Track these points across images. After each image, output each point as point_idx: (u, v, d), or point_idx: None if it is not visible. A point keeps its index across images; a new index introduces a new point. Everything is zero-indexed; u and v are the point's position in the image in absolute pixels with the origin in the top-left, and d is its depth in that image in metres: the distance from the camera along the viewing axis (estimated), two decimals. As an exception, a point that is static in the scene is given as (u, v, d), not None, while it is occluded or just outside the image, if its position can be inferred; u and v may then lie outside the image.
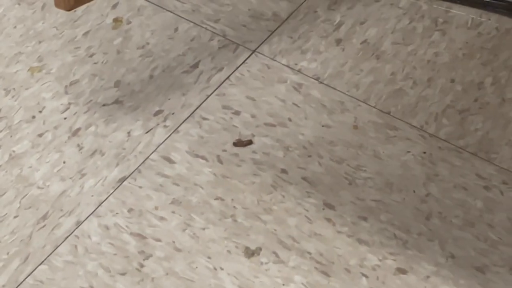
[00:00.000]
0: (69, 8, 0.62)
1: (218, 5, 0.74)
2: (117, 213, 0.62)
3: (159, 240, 0.60)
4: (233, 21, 0.74)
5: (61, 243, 0.60)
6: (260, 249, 0.60)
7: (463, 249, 0.61)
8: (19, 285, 0.58)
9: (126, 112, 0.67)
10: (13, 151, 0.65)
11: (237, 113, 0.68)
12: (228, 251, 0.60)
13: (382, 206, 0.63)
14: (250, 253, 0.60)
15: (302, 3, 0.76)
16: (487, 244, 0.61)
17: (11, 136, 0.66)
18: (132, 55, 0.71)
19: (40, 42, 0.71)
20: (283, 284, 0.59)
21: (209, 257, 0.59)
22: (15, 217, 0.62)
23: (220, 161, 0.64)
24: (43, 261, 0.60)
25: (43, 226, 0.61)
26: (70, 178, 0.64)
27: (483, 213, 0.62)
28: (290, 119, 0.67)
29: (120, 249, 0.60)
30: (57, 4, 0.62)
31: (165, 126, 0.66)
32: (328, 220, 0.62)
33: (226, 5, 0.74)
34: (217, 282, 0.58)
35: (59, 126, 0.66)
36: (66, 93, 0.68)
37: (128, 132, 0.66)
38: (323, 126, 0.66)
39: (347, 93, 0.69)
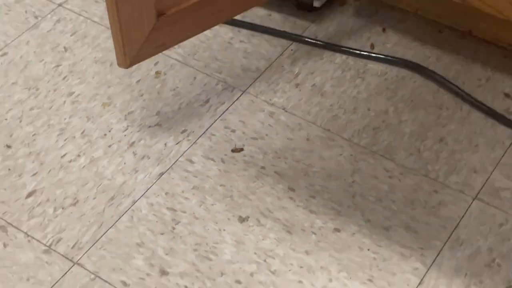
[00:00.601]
0: (127, 66, 0.57)
1: (221, 62, 0.69)
2: (158, 195, 0.58)
3: (184, 212, 0.57)
4: (231, 73, 0.69)
5: (123, 215, 0.57)
6: (248, 217, 0.56)
7: (375, 216, 0.57)
8: (96, 241, 0.55)
9: (163, 131, 0.63)
10: (93, 156, 0.61)
11: (233, 131, 0.63)
12: (228, 219, 0.56)
13: (325, 189, 0.59)
14: (241, 220, 0.56)
15: (274, 61, 0.70)
16: (390, 212, 0.57)
17: (91, 147, 0.62)
18: (167, 95, 0.66)
19: (109, 87, 0.67)
20: (263, 239, 0.55)
21: (216, 223, 0.56)
22: (93, 198, 0.58)
23: (223, 162, 0.61)
24: (111, 226, 0.56)
25: (111, 204, 0.58)
26: (128, 173, 0.60)
27: (388, 193, 0.58)
28: (267, 135, 0.63)
29: (160, 218, 0.56)
30: (119, 64, 0.57)
31: (188, 140, 0.62)
32: (291, 198, 0.58)
33: (226, 62, 0.69)
34: (222, 238, 0.55)
35: (121, 140, 0.63)
36: (125, 119, 0.64)
37: (165, 144, 0.62)
38: (287, 139, 0.62)
39: (302, 118, 0.64)
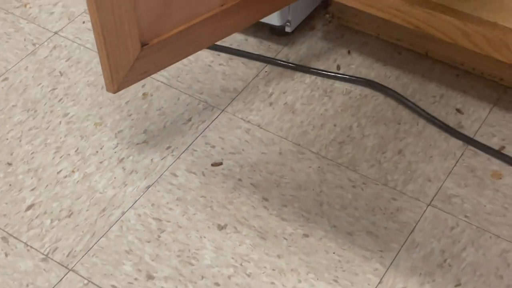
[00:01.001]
0: (115, 91, 0.59)
1: (203, 84, 0.72)
2: (145, 207, 0.61)
3: (169, 221, 0.59)
4: (211, 93, 0.71)
5: (113, 225, 0.60)
6: (226, 225, 0.59)
7: (340, 222, 0.59)
8: (89, 250, 0.58)
9: (150, 148, 0.66)
10: (86, 172, 0.64)
11: (213, 147, 0.66)
12: (208, 227, 0.59)
13: (295, 198, 0.62)
14: (220, 227, 0.59)
15: (250, 82, 0.73)
16: (354, 219, 0.60)
17: (84, 163, 0.65)
18: (153, 114, 0.69)
19: (101, 108, 0.69)
20: (239, 245, 0.58)
21: (197, 231, 0.59)
22: (86, 210, 0.61)
23: (204, 175, 0.63)
24: (103, 235, 0.59)
25: (103, 215, 0.60)
26: (118, 186, 0.63)
27: (351, 201, 0.61)
28: (243, 150, 0.65)
29: (147, 227, 0.59)
30: (108, 89, 0.59)
31: (172, 155, 0.65)
32: (265, 207, 0.61)
33: (207, 84, 0.72)
34: (202, 245, 0.58)
35: (112, 156, 0.65)
36: (116, 137, 0.67)
37: (151, 159, 0.64)
38: (262, 153, 0.65)
39: (275, 133, 0.67)
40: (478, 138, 0.66)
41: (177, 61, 0.64)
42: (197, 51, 0.65)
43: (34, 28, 0.80)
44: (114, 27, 0.55)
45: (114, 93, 0.62)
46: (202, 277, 0.56)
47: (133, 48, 0.59)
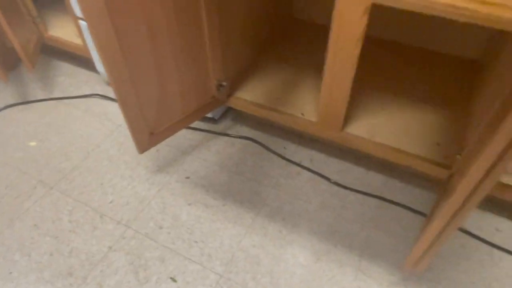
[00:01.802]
0: (141, 153, 1.22)
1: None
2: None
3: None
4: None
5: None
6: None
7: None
8: None
9: None
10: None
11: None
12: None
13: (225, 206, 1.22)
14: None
15: (198, 143, 1.35)
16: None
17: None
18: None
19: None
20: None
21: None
22: None
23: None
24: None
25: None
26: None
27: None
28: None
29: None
30: (139, 152, 1.20)
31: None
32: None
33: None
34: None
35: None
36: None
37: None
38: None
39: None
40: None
41: (169, 136, 1.28)
42: (179, 131, 1.30)
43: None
44: (138, 127, 1.15)
45: (141, 153, 1.23)
46: None
47: (146, 135, 1.23)
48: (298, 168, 1.25)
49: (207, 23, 0.96)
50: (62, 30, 1.47)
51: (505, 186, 0.93)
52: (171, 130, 1.15)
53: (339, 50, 0.90)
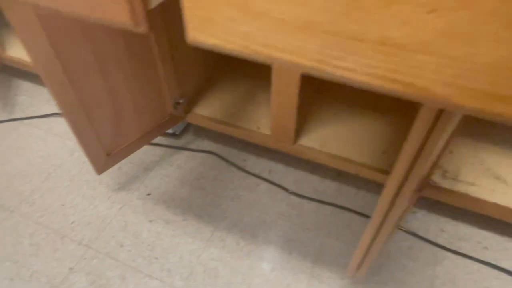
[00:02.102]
0: (99, 174, 1.24)
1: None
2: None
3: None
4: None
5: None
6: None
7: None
8: None
9: None
10: None
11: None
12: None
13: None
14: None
15: (161, 157, 1.39)
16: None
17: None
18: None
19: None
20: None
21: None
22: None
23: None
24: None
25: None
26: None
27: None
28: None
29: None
30: (97, 172, 1.22)
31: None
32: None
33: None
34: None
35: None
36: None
37: None
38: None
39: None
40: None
41: (127, 156, 1.30)
42: (138, 149, 1.33)
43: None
44: (93, 150, 1.19)
45: (99, 174, 1.26)
46: None
47: (103, 156, 1.25)
48: (257, 180, 1.28)
49: (158, 47, 0.98)
50: (21, 51, 1.44)
51: (446, 190, 1.00)
52: (129, 149, 1.17)
53: (282, 72, 0.93)
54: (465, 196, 1.03)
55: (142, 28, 0.41)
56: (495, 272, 1.02)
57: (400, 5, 0.29)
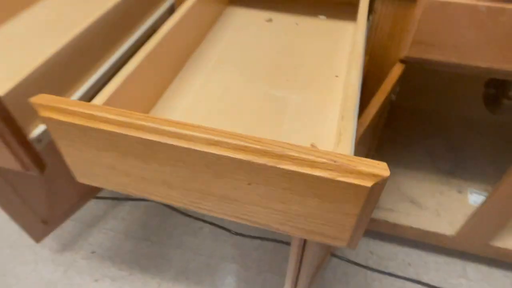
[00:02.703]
0: (38, 242, 1.21)
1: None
2: None
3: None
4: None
5: None
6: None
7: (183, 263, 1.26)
8: None
9: None
10: None
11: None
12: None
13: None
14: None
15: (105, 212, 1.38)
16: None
17: None
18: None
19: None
20: None
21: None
22: None
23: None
24: None
25: None
26: None
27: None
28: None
29: None
30: (35, 241, 1.20)
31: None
32: None
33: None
34: None
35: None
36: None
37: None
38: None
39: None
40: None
41: (66, 220, 1.29)
42: (77, 211, 1.31)
43: None
44: (27, 221, 1.16)
45: (38, 243, 1.22)
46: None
47: (39, 225, 1.22)
48: (201, 223, 1.30)
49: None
50: None
51: (372, 220, 1.07)
52: (69, 212, 1.15)
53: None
54: (385, 223, 1.12)
55: (32, 173, 0.44)
56: (418, 286, 1.12)
57: (224, 178, 0.39)
